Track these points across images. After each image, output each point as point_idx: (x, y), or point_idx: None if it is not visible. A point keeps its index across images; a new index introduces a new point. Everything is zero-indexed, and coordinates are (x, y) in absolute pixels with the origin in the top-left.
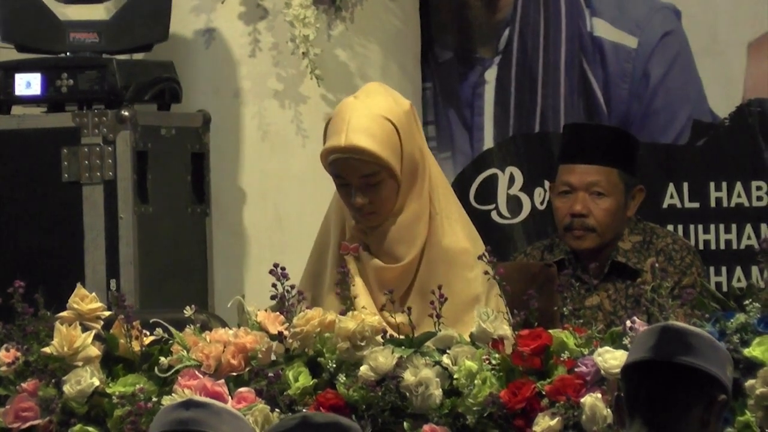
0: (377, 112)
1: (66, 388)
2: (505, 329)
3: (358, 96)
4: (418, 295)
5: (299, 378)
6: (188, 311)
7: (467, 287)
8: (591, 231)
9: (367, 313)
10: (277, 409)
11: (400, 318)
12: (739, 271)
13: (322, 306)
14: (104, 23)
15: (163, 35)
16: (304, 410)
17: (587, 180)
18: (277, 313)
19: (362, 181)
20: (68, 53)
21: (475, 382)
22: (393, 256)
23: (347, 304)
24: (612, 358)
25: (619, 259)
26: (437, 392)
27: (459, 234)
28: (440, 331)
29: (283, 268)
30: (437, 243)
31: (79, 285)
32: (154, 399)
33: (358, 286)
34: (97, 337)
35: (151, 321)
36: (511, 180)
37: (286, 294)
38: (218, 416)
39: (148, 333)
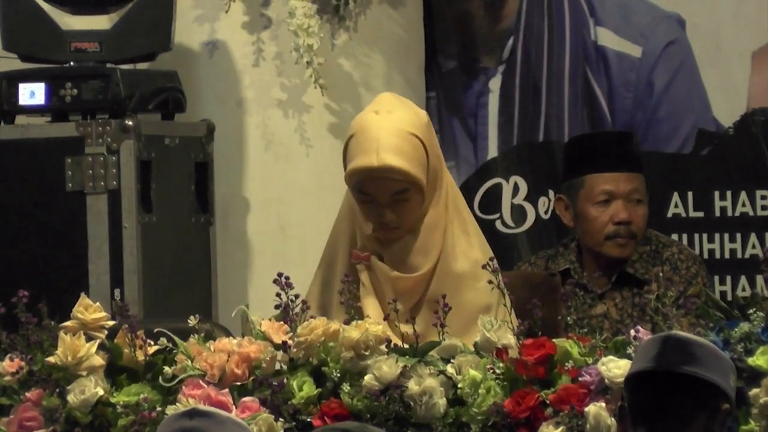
0: (404, 128)
1: (70, 398)
2: (509, 338)
3: (379, 111)
4: (430, 305)
5: (303, 387)
6: (192, 321)
7: (477, 297)
8: (632, 238)
9: (371, 323)
10: (281, 419)
11: (407, 328)
12: (743, 280)
13: (333, 315)
14: (105, 33)
15: (165, 44)
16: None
17: (628, 188)
18: (281, 322)
19: (391, 198)
20: (70, 63)
21: (479, 391)
22: (409, 266)
23: (351, 313)
24: (616, 368)
25: (627, 270)
26: (441, 401)
27: (471, 244)
28: (444, 340)
29: (287, 278)
30: (450, 253)
31: (83, 294)
32: (158, 408)
33: (368, 296)
34: (101, 347)
35: (155, 330)
36: (515, 189)
37: (290, 303)
38: (222, 425)
39: (152, 342)
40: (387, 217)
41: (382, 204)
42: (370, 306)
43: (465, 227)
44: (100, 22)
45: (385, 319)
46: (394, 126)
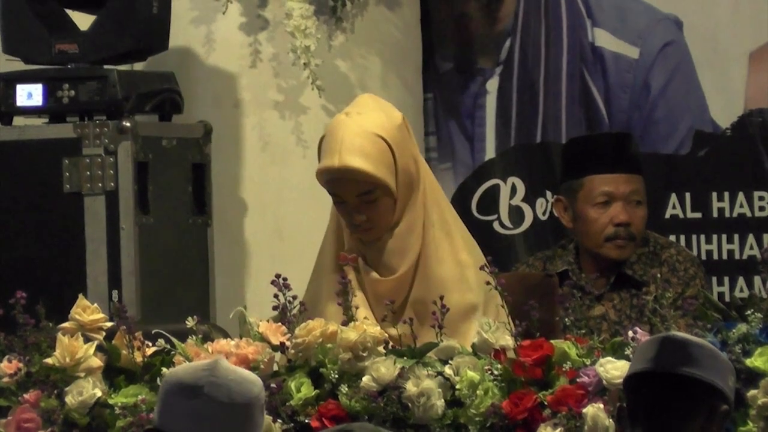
0: (370, 130)
1: (68, 399)
2: (506, 339)
3: (349, 113)
4: (413, 307)
5: (301, 389)
6: (190, 322)
7: (462, 298)
8: (632, 240)
9: (368, 324)
10: (279, 420)
11: (401, 329)
12: (741, 281)
13: (323, 318)
14: (83, 34)
15: (136, 44)
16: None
17: (628, 189)
18: (279, 323)
19: (358, 200)
20: (62, 65)
21: (477, 392)
22: (388, 267)
23: (348, 314)
24: (614, 369)
25: (625, 271)
26: (439, 403)
27: (455, 245)
28: (442, 341)
29: (284, 279)
30: (433, 254)
31: (80, 296)
32: None
33: (358, 298)
34: (98, 348)
35: (152, 332)
36: (513, 190)
37: (287, 304)
38: (227, 409)
39: (150, 344)
40: (356, 219)
41: (351, 205)
42: (360, 308)
43: (447, 229)
44: (83, 23)
45: (383, 320)
46: (359, 127)
